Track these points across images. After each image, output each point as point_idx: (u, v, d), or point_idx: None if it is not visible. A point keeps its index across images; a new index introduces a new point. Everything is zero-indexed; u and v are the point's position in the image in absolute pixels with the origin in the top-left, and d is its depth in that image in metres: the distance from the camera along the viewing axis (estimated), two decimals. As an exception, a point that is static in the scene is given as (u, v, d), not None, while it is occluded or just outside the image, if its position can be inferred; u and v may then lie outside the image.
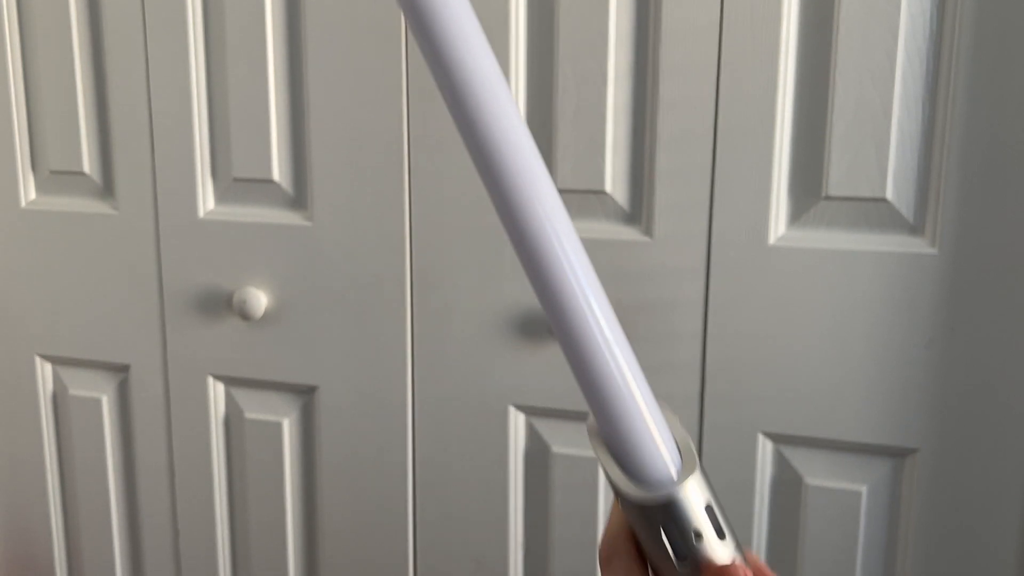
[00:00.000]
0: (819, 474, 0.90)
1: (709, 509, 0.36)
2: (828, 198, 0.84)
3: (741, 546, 0.38)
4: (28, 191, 1.13)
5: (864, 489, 0.89)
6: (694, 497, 0.36)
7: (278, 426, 1.08)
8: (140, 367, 1.13)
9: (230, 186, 1.04)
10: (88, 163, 1.09)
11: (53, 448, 1.21)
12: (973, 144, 0.79)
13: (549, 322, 0.36)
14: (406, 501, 1.04)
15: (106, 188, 1.10)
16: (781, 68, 0.83)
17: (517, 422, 0.98)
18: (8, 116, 1.11)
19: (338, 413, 1.05)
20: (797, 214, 0.86)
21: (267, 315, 1.04)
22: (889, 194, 0.82)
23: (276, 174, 1.01)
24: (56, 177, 1.12)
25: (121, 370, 1.14)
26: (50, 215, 1.12)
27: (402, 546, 1.06)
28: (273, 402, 1.08)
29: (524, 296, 0.94)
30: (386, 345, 1.00)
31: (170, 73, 1.02)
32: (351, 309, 1.01)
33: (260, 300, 1.02)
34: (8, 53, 1.09)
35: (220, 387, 1.10)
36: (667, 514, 0.36)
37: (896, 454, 0.87)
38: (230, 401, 1.10)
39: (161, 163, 1.05)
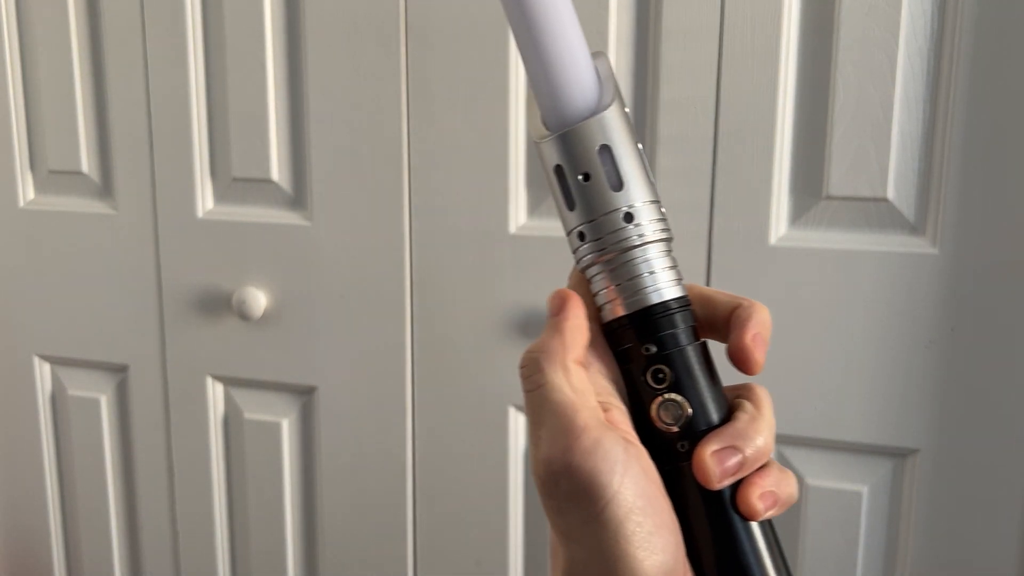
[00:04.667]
0: (819, 474, 0.90)
1: (605, 149, 0.33)
2: (829, 198, 0.84)
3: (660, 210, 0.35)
4: (27, 191, 1.13)
5: (864, 489, 0.89)
6: (591, 135, 0.33)
7: (278, 426, 1.08)
8: (139, 367, 1.12)
9: (229, 186, 1.04)
10: (87, 163, 1.09)
11: (52, 448, 1.21)
12: (974, 144, 0.79)
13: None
14: (406, 501, 1.04)
15: (105, 188, 1.09)
16: (781, 68, 0.83)
17: (517, 422, 0.98)
18: (7, 116, 1.10)
19: (338, 413, 1.05)
20: (798, 214, 0.86)
21: (267, 315, 1.04)
22: (890, 194, 0.82)
23: (275, 174, 1.01)
24: (55, 177, 1.11)
25: (120, 370, 1.14)
26: (49, 215, 1.12)
27: (402, 546, 1.06)
28: (272, 402, 1.08)
29: (524, 296, 0.94)
30: (386, 345, 1.00)
31: (170, 73, 1.02)
32: (351, 309, 1.01)
33: (260, 300, 1.02)
34: (8, 53, 1.09)
35: (219, 387, 1.10)
36: (558, 151, 0.33)
37: (896, 454, 0.87)
38: (229, 401, 1.10)
39: (160, 163, 1.05)
